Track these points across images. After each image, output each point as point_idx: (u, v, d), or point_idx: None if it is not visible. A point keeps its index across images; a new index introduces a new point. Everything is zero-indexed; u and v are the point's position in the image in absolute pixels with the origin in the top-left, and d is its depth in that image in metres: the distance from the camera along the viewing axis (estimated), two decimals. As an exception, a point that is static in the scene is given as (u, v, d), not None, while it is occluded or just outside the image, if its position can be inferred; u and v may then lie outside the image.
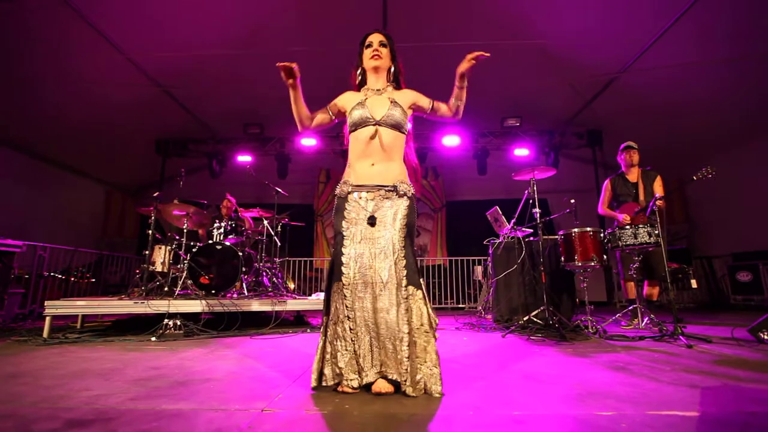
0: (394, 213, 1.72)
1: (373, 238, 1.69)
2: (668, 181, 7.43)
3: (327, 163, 8.51)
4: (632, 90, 5.98)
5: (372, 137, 1.77)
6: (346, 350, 1.63)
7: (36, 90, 5.38)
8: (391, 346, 1.58)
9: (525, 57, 5.71)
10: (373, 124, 1.78)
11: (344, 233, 1.71)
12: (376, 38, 1.90)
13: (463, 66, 1.79)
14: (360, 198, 1.75)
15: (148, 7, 4.69)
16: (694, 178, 3.19)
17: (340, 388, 1.62)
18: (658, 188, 3.81)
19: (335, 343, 1.65)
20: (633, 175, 3.92)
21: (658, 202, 3.25)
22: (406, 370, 1.55)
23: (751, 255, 6.04)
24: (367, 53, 1.89)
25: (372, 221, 1.70)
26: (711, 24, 4.50)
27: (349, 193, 1.77)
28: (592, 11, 4.81)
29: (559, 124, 7.35)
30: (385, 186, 1.75)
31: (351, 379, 1.60)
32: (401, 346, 1.57)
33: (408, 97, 1.91)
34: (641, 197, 3.78)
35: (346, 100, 1.91)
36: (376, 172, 1.76)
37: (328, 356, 1.66)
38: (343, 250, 1.69)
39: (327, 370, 1.65)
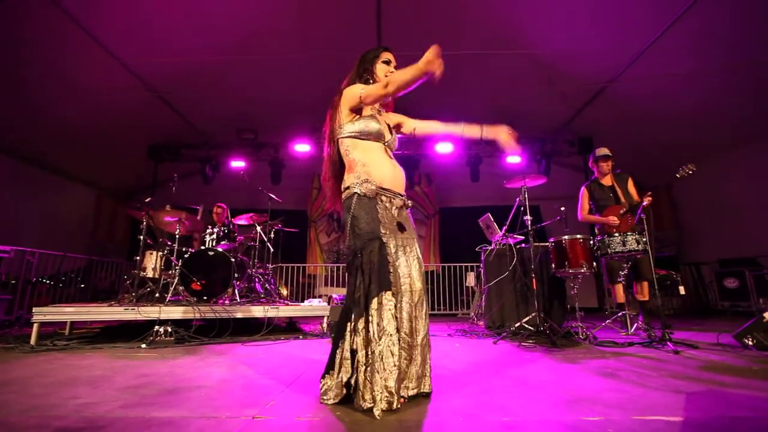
0: (411, 224, 1.81)
1: (404, 246, 1.69)
2: (657, 187, 7.62)
3: (321, 169, 8.50)
4: (622, 99, 6.10)
5: (383, 153, 1.79)
6: (395, 366, 1.47)
7: (27, 93, 5.33)
8: (419, 351, 1.64)
9: (516, 66, 5.81)
10: (383, 143, 1.80)
11: (384, 239, 1.62)
12: (394, 59, 1.88)
13: (503, 137, 1.86)
14: (388, 203, 1.71)
15: (142, 13, 4.69)
16: (677, 176, 3.29)
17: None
18: (632, 189, 3.91)
19: (384, 360, 1.46)
20: (607, 180, 4.01)
21: (646, 201, 3.33)
22: (427, 369, 1.67)
23: (738, 261, 6.16)
24: (384, 69, 1.86)
25: (402, 227, 1.71)
26: (699, 34, 4.62)
27: (377, 194, 1.68)
28: (582, 21, 4.92)
29: (551, 132, 7.45)
30: (404, 195, 1.79)
31: (397, 400, 1.46)
32: (427, 348, 1.68)
33: (393, 120, 1.96)
34: (622, 200, 3.85)
35: (355, 104, 1.81)
36: (398, 178, 1.77)
37: (370, 375, 1.46)
38: (388, 258, 1.60)
39: (367, 391, 1.45)
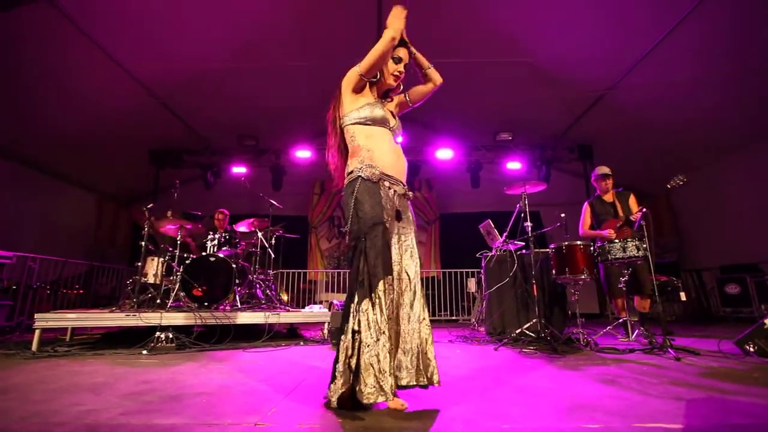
0: (410, 214, 1.82)
1: (399, 234, 1.73)
2: (655, 195, 7.63)
3: (321, 174, 8.55)
4: (621, 106, 6.14)
5: (387, 140, 1.81)
6: (385, 346, 1.48)
7: (28, 98, 5.37)
8: (411, 340, 1.65)
9: (517, 73, 5.86)
10: (388, 128, 1.82)
11: (386, 225, 1.63)
12: (407, 56, 1.87)
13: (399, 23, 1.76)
14: (390, 189, 1.72)
15: (144, 20, 4.76)
16: (668, 186, 3.32)
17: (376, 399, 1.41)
18: (633, 205, 3.96)
19: (383, 345, 1.47)
20: (609, 196, 4.10)
21: (637, 215, 3.38)
22: (429, 360, 1.66)
23: (739, 268, 6.15)
24: (393, 67, 1.84)
25: (399, 216, 1.73)
26: (700, 40, 4.67)
27: (380, 179, 1.68)
28: (582, 29, 4.97)
29: (551, 139, 7.49)
30: (405, 184, 1.81)
31: (387, 382, 1.44)
32: (417, 337, 1.66)
33: (393, 105, 1.99)
34: (620, 214, 3.92)
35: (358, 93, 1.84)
36: (399, 165, 1.79)
37: (375, 358, 1.45)
38: (389, 243, 1.62)
39: (370, 375, 1.43)
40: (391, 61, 1.84)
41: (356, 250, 1.60)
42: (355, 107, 1.78)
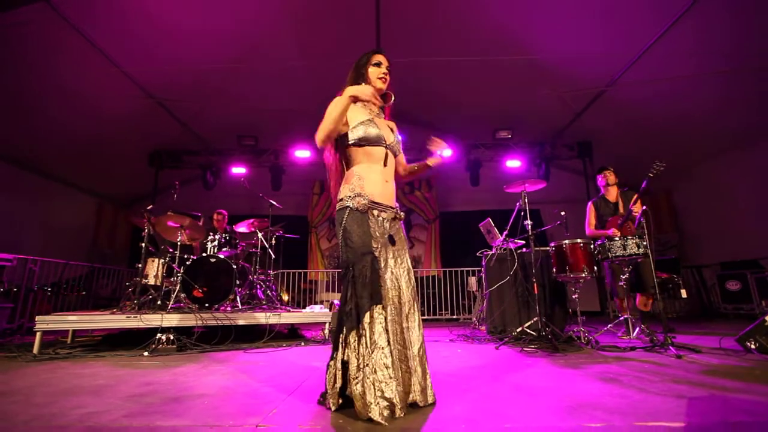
0: (402, 235, 1.84)
1: (394, 258, 1.74)
2: (655, 191, 7.63)
3: (321, 174, 8.54)
4: (620, 103, 6.13)
5: (384, 159, 1.80)
6: (391, 378, 1.49)
7: (28, 101, 5.36)
8: (417, 362, 1.67)
9: (516, 71, 5.84)
10: (384, 147, 1.81)
11: (375, 254, 1.65)
12: (385, 60, 1.87)
13: (434, 162, 1.99)
14: (379, 216, 1.73)
15: (143, 22, 4.74)
16: (650, 174, 3.32)
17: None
18: (636, 205, 3.95)
19: (378, 373, 1.48)
20: (612, 195, 4.07)
21: (635, 208, 3.37)
22: (428, 380, 1.69)
23: (740, 264, 6.14)
24: (376, 72, 1.84)
25: (392, 240, 1.75)
26: (699, 37, 4.65)
27: (369, 208, 1.70)
28: (580, 27, 4.96)
29: (550, 136, 7.48)
30: (394, 208, 1.82)
31: (400, 408, 1.49)
32: (423, 358, 1.70)
33: (393, 127, 1.98)
34: (621, 211, 3.91)
35: (351, 112, 1.81)
36: (388, 192, 1.79)
37: (361, 388, 1.48)
38: (379, 272, 1.64)
39: (360, 404, 1.47)
40: (372, 67, 1.84)
41: (345, 279, 1.63)
42: (349, 128, 1.78)
